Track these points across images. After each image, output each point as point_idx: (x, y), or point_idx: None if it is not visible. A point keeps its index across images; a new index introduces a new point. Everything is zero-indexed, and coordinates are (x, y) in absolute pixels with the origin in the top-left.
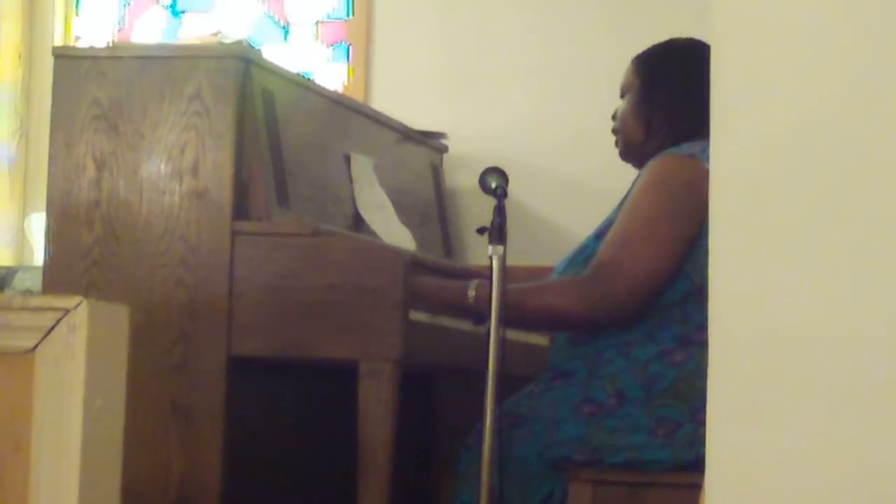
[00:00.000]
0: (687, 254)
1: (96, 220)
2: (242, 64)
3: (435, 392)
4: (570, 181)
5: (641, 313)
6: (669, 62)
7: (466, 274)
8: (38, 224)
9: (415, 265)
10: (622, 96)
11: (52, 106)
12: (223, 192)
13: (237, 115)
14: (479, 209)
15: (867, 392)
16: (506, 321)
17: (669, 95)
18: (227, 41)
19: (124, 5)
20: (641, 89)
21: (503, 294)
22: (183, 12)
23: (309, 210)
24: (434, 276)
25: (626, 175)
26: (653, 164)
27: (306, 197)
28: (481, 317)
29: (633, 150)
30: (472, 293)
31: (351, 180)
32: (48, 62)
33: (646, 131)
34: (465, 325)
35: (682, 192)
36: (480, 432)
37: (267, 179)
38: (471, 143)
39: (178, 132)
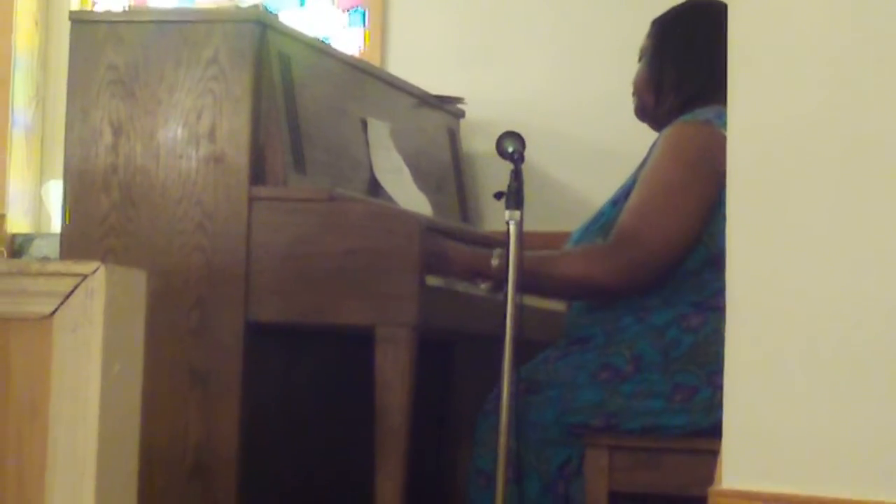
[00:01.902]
0: (705, 221)
1: (113, 185)
2: (259, 28)
3: (452, 357)
4: (588, 146)
5: (661, 280)
6: (681, 25)
7: (483, 240)
8: (55, 191)
9: (431, 230)
10: (639, 59)
11: (69, 71)
12: (240, 157)
13: (254, 79)
14: (496, 174)
15: (883, 357)
16: (526, 289)
17: (678, 58)
18: (243, 5)
19: None
20: (652, 52)
21: (521, 259)
22: None
23: (325, 175)
24: (454, 242)
25: (643, 140)
26: (669, 132)
27: (323, 162)
28: (502, 284)
29: (647, 112)
30: (495, 261)
31: (367, 145)
32: (65, 27)
33: (657, 94)
34: (482, 291)
35: (699, 159)
36: (498, 398)
37: (284, 144)
38: (488, 108)
39: (194, 97)
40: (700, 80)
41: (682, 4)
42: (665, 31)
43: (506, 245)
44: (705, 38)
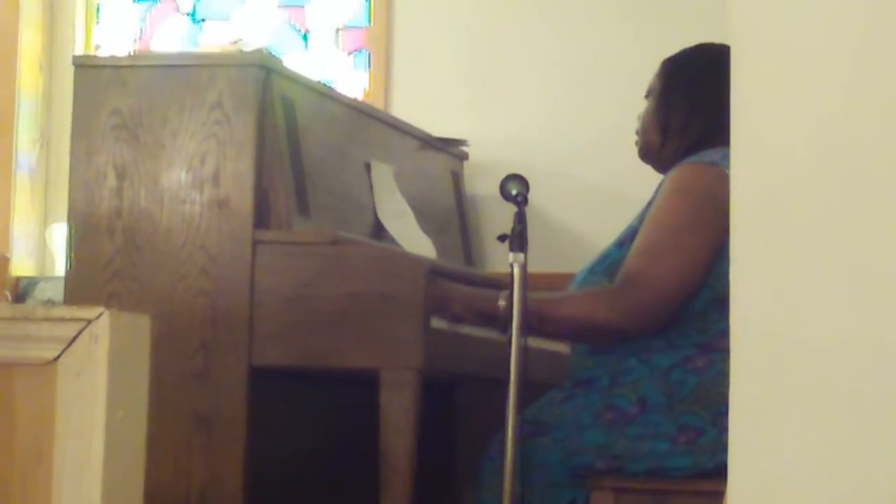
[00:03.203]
0: (711, 262)
1: (117, 229)
2: (263, 72)
3: (456, 400)
4: (591, 188)
5: (669, 322)
6: (690, 67)
7: (488, 282)
8: (59, 234)
9: (435, 273)
10: (646, 97)
11: (73, 115)
12: (244, 201)
13: (258, 123)
14: (500, 216)
15: (891, 399)
16: (533, 331)
17: (686, 100)
18: (247, 49)
19: (145, 14)
20: (660, 92)
21: (524, 301)
22: (203, 20)
23: (329, 218)
24: (459, 284)
25: (648, 181)
26: (675, 173)
27: (327, 205)
28: (509, 326)
29: (652, 153)
30: (502, 303)
31: (371, 188)
32: (69, 71)
33: (662, 136)
34: (486, 333)
35: (705, 200)
36: (503, 440)
37: (287, 188)
38: (491, 150)
39: (198, 141)
40: (707, 123)
41: (693, 47)
42: (674, 74)
43: (510, 287)
44: (714, 81)
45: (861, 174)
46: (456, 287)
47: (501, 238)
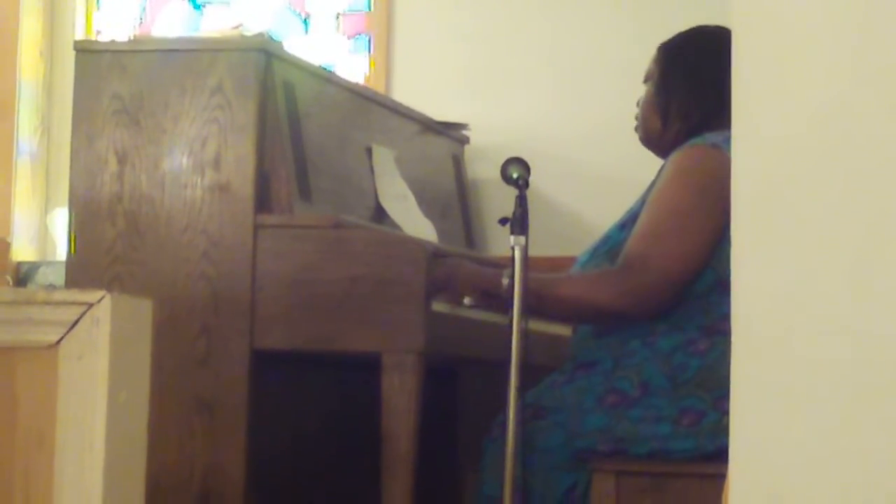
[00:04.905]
0: (713, 245)
1: (119, 214)
2: (264, 56)
3: (458, 383)
4: (593, 171)
5: (672, 305)
6: (688, 50)
7: (489, 264)
8: (60, 219)
9: (437, 257)
10: (644, 81)
11: (74, 100)
12: (245, 186)
13: (259, 107)
14: (501, 200)
15: (891, 382)
16: (532, 310)
17: (685, 84)
18: (248, 34)
19: None
20: (659, 77)
21: (525, 284)
22: (204, 5)
23: (331, 202)
24: (465, 261)
25: (648, 165)
26: (677, 156)
27: (328, 189)
28: (510, 305)
29: (653, 138)
30: (505, 280)
31: (372, 172)
32: (69, 57)
33: (663, 120)
34: (487, 316)
35: (707, 183)
36: (504, 424)
37: (289, 172)
38: (492, 134)
39: (199, 125)
40: (707, 106)
41: (689, 31)
42: (672, 58)
43: (511, 271)
44: (712, 64)
45: (861, 159)
46: (462, 264)
47: (502, 221)
